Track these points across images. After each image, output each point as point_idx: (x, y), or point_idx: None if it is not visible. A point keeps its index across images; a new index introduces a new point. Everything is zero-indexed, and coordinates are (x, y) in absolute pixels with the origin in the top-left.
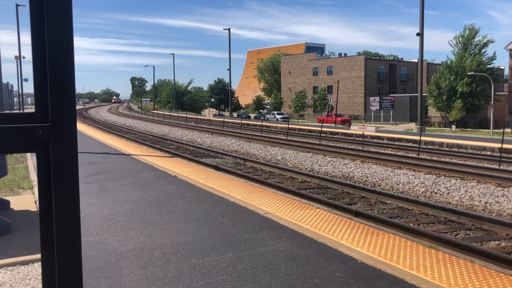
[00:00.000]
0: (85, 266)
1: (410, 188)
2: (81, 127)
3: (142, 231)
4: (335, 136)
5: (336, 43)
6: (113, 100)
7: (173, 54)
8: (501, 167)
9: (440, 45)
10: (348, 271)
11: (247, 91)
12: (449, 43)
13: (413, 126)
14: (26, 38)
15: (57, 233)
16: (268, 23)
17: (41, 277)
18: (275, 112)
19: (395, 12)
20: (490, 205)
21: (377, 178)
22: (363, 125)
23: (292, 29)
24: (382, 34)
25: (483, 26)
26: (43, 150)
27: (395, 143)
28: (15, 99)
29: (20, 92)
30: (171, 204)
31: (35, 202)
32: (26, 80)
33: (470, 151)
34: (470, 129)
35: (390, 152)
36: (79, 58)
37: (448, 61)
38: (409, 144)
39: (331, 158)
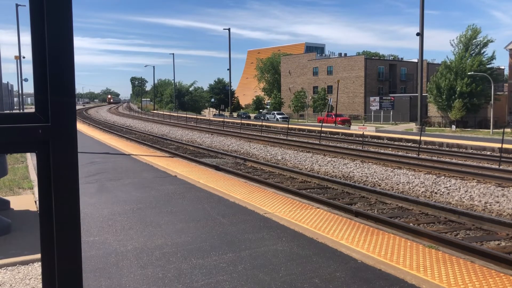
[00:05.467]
0: (85, 266)
1: (410, 188)
2: (81, 127)
3: (142, 231)
4: (335, 136)
5: (337, 43)
6: (107, 100)
7: (173, 54)
8: (501, 167)
9: (442, 45)
10: (348, 271)
11: (247, 91)
12: (451, 43)
13: (413, 126)
14: (26, 38)
15: (57, 233)
16: (270, 23)
17: (41, 277)
18: (275, 112)
19: (397, 12)
20: (490, 205)
21: (377, 178)
22: (363, 125)
23: (293, 29)
24: (384, 34)
25: (485, 26)
26: (43, 150)
27: (395, 143)
28: (15, 99)
29: (20, 92)
30: (171, 204)
31: (35, 202)
32: (26, 80)
33: (470, 151)
34: (470, 129)
35: (390, 152)
36: (80, 58)
37: (448, 61)
38: (409, 144)
39: (331, 158)
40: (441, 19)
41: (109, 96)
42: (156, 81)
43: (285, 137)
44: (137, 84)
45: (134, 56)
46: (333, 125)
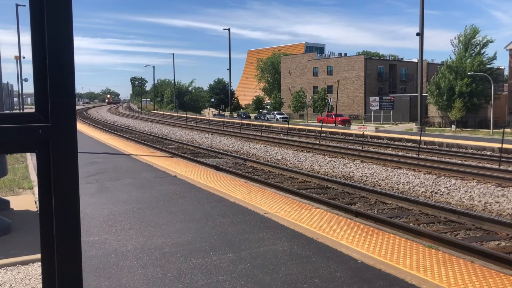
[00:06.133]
0: (85, 266)
1: (410, 188)
2: (81, 127)
3: (142, 231)
4: (335, 136)
5: (338, 43)
6: (106, 100)
7: (173, 54)
8: (501, 167)
9: (442, 45)
10: (348, 271)
11: (247, 91)
12: (451, 43)
13: (413, 126)
14: (26, 38)
15: (57, 233)
16: (270, 23)
17: (41, 277)
18: (275, 112)
19: (398, 11)
20: (490, 205)
21: (377, 178)
22: (363, 125)
23: (293, 29)
24: (384, 34)
25: (485, 26)
26: (43, 150)
27: (395, 143)
28: (15, 99)
29: (20, 92)
30: (171, 204)
31: (35, 202)
32: (26, 80)
33: (470, 151)
34: (470, 129)
35: (390, 152)
36: (80, 58)
37: (449, 61)
38: (409, 144)
39: (331, 158)
40: (441, 19)
41: (108, 96)
42: (156, 81)
43: (285, 137)
44: (137, 84)
45: (134, 56)
46: (333, 125)
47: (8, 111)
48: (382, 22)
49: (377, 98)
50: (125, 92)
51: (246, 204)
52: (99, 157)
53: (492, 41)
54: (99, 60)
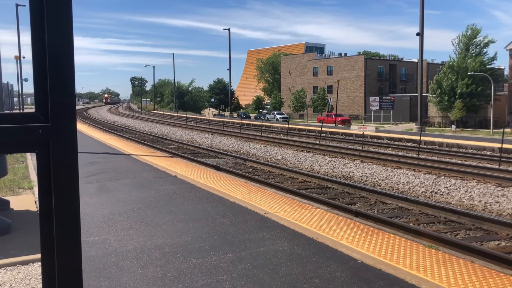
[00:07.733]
0: (85, 266)
1: (410, 188)
2: (81, 127)
3: (142, 231)
4: (335, 136)
5: (338, 43)
6: (104, 100)
7: (173, 54)
8: (501, 167)
9: (442, 45)
10: (348, 271)
11: (247, 91)
12: (452, 43)
13: (413, 126)
14: (26, 38)
15: (57, 233)
16: (271, 22)
17: (41, 277)
18: (275, 112)
19: (398, 12)
20: (490, 205)
21: (377, 178)
22: (363, 125)
23: (294, 29)
24: (385, 34)
25: (486, 26)
26: (43, 150)
27: (395, 143)
28: (15, 99)
29: (20, 92)
30: (171, 204)
31: (35, 202)
32: (26, 80)
33: (470, 151)
34: (470, 129)
35: (390, 152)
36: (80, 58)
37: (451, 61)
38: (409, 144)
39: (331, 158)
40: (441, 19)
41: (106, 95)
42: (156, 81)
43: (285, 137)
44: (137, 84)
45: (134, 56)
46: (333, 125)
47: (8, 111)
48: (383, 22)
49: (377, 98)
50: (125, 92)
51: (246, 204)
52: (99, 157)
53: (493, 42)
54: (99, 60)
